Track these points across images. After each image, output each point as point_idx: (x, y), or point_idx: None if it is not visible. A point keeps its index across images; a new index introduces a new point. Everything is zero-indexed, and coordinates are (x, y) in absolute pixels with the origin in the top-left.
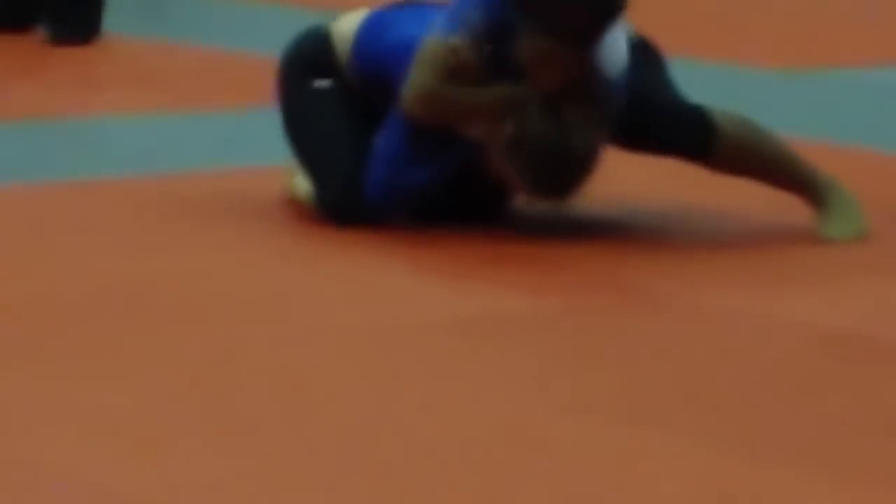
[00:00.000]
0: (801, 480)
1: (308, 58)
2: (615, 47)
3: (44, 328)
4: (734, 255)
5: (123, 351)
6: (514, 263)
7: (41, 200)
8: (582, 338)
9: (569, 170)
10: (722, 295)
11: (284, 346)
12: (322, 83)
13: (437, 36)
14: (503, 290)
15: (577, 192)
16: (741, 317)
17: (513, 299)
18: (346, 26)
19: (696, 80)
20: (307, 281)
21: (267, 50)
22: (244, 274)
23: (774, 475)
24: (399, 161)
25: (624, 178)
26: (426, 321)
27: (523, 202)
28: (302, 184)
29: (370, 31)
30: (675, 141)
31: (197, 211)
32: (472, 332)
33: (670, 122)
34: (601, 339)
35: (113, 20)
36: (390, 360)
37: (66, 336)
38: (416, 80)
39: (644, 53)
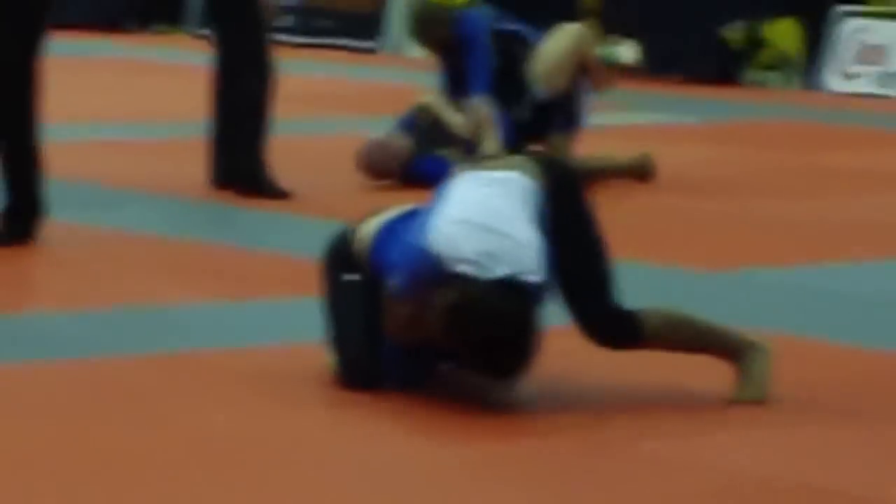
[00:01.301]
0: None
1: (336, 255)
2: (524, 253)
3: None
4: (667, 411)
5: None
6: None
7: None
8: (546, 476)
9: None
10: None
11: (318, 484)
12: (350, 277)
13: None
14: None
15: (520, 372)
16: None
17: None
18: (366, 231)
19: (638, 280)
20: (330, 434)
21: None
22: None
23: None
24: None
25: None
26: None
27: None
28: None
29: (380, 241)
30: (604, 338)
31: (273, 378)
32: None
33: (602, 325)
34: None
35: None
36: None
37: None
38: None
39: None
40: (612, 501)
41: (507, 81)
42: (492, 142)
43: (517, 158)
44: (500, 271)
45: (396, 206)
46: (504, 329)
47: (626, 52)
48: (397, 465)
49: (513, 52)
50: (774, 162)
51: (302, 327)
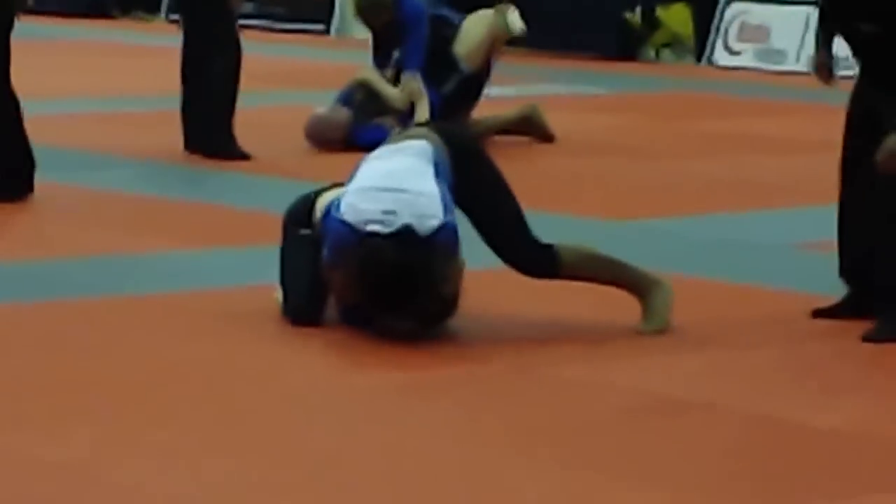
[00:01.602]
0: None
1: (296, 214)
2: (427, 203)
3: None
4: (585, 340)
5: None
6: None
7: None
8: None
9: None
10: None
11: (276, 405)
12: (304, 231)
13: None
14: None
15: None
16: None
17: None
18: (323, 200)
19: (547, 228)
20: (275, 364)
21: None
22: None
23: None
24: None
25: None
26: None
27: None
28: (279, 296)
29: (326, 214)
30: (528, 271)
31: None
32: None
33: (524, 259)
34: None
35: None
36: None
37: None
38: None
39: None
40: (538, 420)
41: (437, 60)
42: (423, 111)
43: (421, 129)
44: (401, 222)
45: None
46: (403, 275)
47: (515, 18)
48: (334, 392)
49: (442, 34)
50: (670, 128)
51: (258, 272)
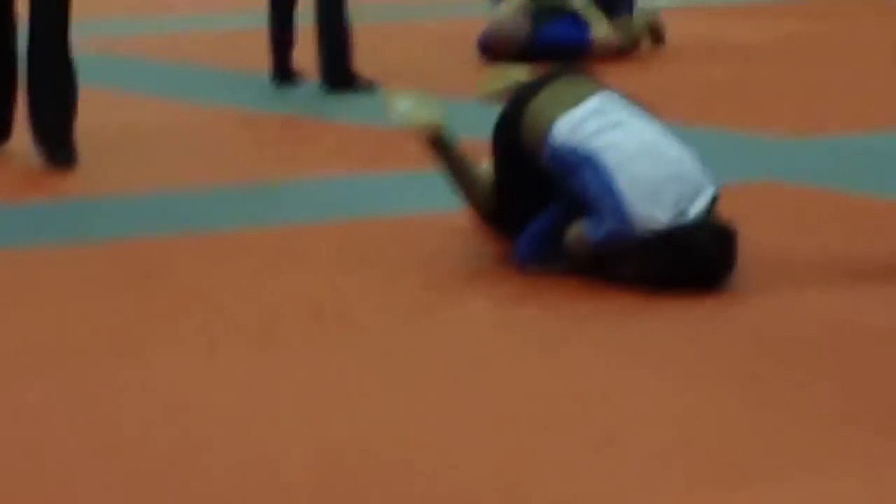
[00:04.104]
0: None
1: (502, 135)
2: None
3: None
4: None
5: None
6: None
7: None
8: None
9: None
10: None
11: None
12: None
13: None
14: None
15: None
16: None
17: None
18: (539, 123)
19: (721, 146)
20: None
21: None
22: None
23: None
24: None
25: None
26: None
27: None
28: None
29: (561, 146)
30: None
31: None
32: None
33: None
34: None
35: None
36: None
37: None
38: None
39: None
40: (735, 345)
41: None
42: (602, 26)
43: (590, 80)
44: (693, 211)
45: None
46: (722, 266)
47: None
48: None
49: None
50: (851, 35)
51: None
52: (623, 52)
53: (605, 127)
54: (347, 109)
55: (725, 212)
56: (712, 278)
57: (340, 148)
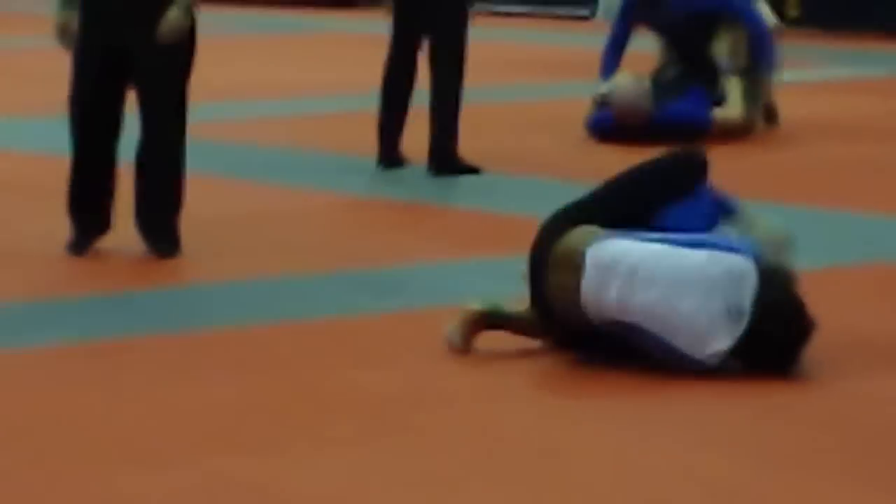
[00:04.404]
0: None
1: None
2: None
3: None
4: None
5: None
6: None
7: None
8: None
9: None
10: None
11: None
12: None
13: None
14: None
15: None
16: None
17: None
18: (585, 237)
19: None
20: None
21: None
22: None
23: None
24: None
25: None
26: None
27: None
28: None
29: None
30: None
31: None
32: None
33: None
34: None
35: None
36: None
37: None
38: None
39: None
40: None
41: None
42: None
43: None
44: (747, 303)
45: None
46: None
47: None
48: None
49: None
50: None
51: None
52: (743, 130)
53: (625, 283)
54: (456, 194)
55: (844, 293)
56: (790, 356)
57: (449, 232)
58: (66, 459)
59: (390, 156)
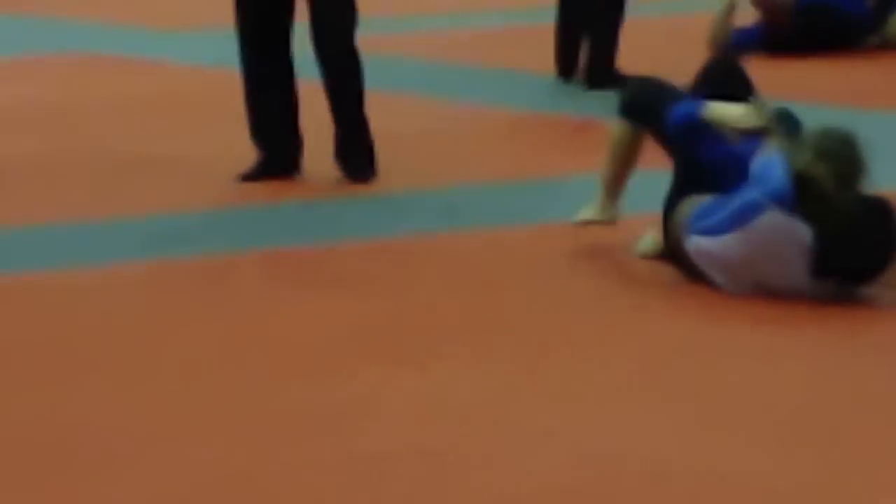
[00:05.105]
0: None
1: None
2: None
3: None
4: None
5: None
6: None
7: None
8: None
9: None
10: None
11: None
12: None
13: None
14: None
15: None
16: None
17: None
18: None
19: None
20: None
21: None
22: None
23: None
24: None
25: None
26: None
27: None
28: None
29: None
30: None
31: None
32: None
33: None
34: None
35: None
36: None
37: None
38: None
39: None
40: None
41: None
42: None
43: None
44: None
45: None
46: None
47: None
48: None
49: None
50: None
51: None
52: None
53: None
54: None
55: None
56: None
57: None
58: (226, 376)
59: (567, 69)
